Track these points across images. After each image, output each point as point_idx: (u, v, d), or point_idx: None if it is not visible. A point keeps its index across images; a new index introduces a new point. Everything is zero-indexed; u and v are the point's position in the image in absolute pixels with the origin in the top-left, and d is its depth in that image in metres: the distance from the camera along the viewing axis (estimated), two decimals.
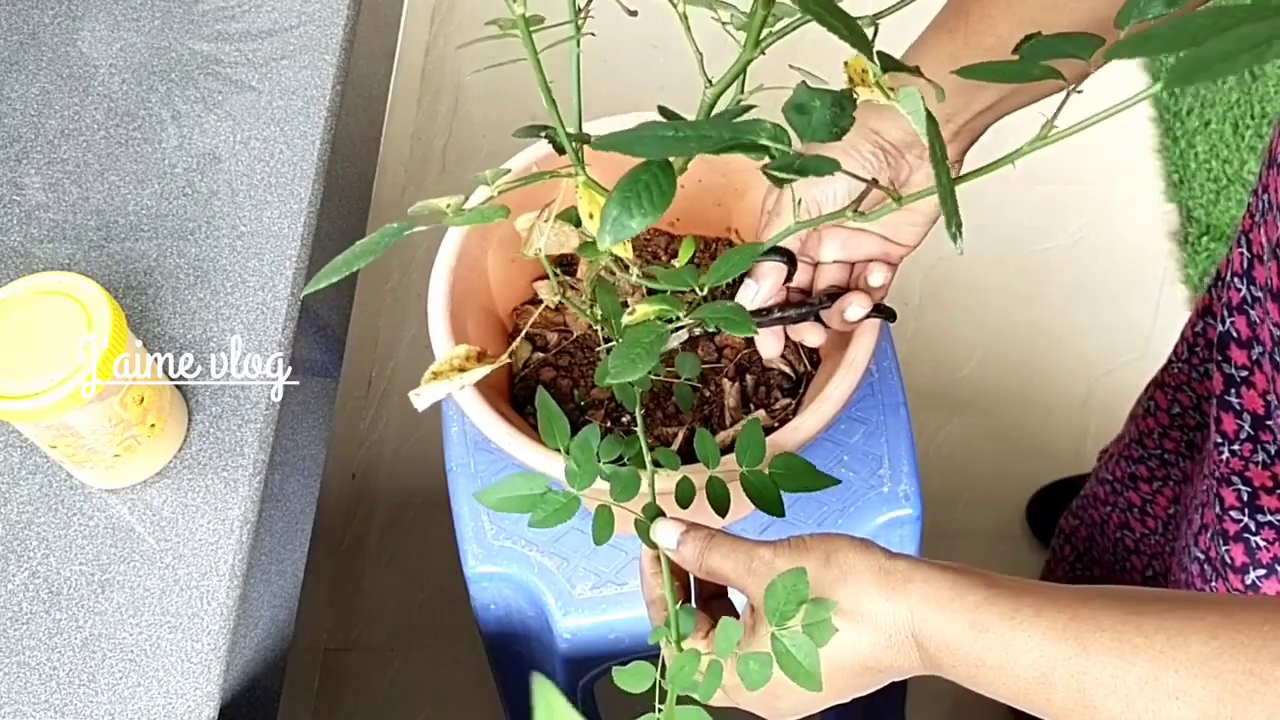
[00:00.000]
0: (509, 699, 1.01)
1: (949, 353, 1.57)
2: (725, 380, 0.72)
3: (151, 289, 0.78)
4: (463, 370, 0.55)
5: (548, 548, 0.79)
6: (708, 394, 0.72)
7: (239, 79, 0.86)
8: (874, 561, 0.49)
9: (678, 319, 0.53)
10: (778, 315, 0.64)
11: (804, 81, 0.40)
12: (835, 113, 0.39)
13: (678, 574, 0.56)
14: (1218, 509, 0.74)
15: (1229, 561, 0.73)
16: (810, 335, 0.65)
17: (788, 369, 0.73)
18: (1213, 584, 0.76)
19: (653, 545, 0.56)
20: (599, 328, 0.72)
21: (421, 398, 0.54)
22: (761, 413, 0.71)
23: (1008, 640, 0.46)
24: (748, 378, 0.73)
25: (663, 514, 0.57)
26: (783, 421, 0.70)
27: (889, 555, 0.50)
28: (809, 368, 0.73)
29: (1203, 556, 0.77)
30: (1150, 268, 1.62)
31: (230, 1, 0.90)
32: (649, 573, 0.57)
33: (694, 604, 0.57)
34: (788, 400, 0.72)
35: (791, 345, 0.74)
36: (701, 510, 0.59)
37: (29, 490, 0.72)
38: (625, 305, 0.73)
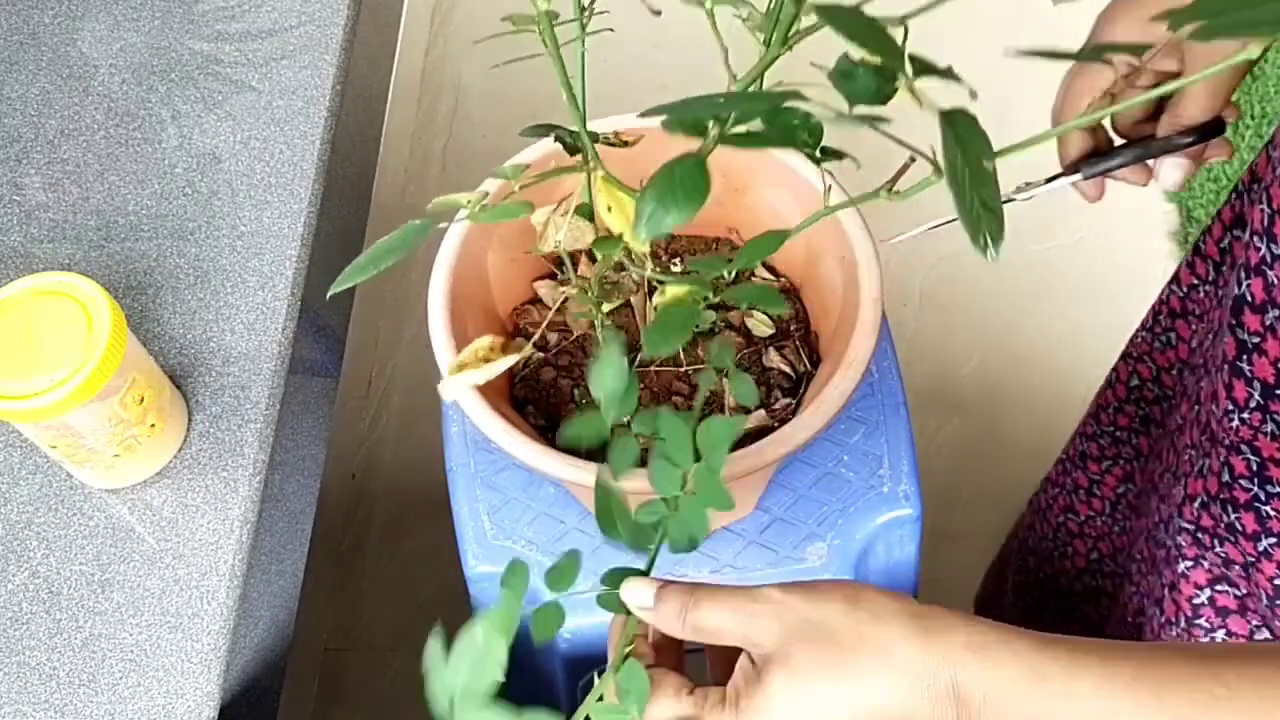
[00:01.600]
0: (509, 699, 1.01)
1: (949, 353, 1.57)
2: (725, 380, 0.72)
3: (151, 289, 0.78)
4: (488, 361, 0.55)
5: (548, 548, 0.79)
6: (708, 394, 0.72)
7: (239, 79, 0.86)
8: (906, 605, 0.44)
9: (708, 298, 0.53)
10: (1115, 163, 0.67)
11: (846, 53, 0.40)
12: (880, 82, 0.39)
13: (667, 652, 0.49)
14: (1226, 476, 0.72)
15: (1240, 528, 0.72)
16: (1166, 173, 0.66)
17: (788, 368, 0.73)
18: (1216, 550, 0.75)
19: (624, 611, 0.49)
20: (599, 326, 0.72)
21: (450, 389, 0.55)
22: (761, 412, 0.71)
23: (1069, 690, 0.41)
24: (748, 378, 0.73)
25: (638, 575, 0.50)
26: (783, 421, 0.70)
27: (921, 604, 0.45)
28: (809, 368, 0.73)
29: (1192, 526, 0.76)
30: (1150, 268, 1.62)
31: (230, 1, 0.90)
32: (618, 638, 0.50)
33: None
34: (788, 400, 0.72)
35: (792, 345, 0.74)
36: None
37: (29, 490, 0.72)
38: (628, 305, 0.73)
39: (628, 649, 0.49)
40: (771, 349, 0.74)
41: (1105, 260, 1.62)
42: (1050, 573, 1.09)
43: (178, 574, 0.70)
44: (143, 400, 0.68)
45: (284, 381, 0.76)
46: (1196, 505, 0.75)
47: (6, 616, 0.69)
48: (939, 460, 1.49)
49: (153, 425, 0.70)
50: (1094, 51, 0.42)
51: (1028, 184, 0.72)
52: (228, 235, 0.80)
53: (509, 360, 0.55)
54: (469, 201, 0.48)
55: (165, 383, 0.72)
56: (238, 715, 0.71)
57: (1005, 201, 0.66)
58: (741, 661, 0.46)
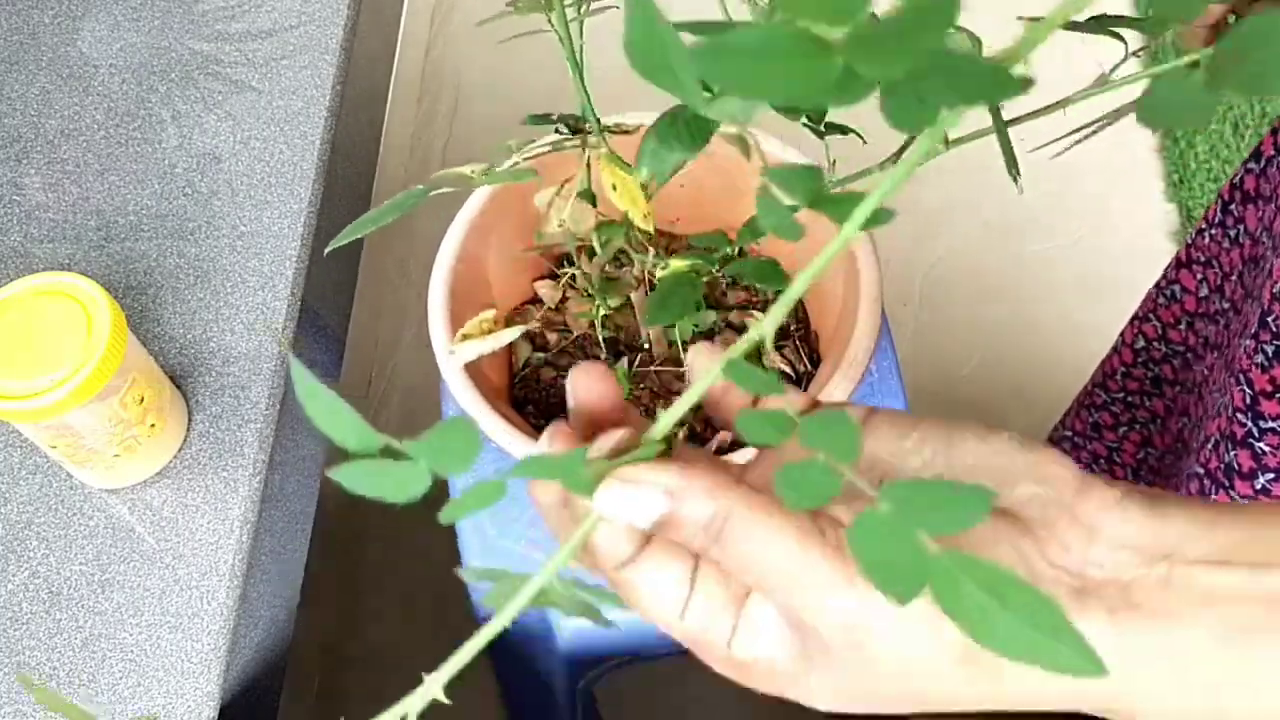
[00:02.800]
0: (509, 699, 1.01)
1: (949, 353, 1.57)
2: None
3: (151, 289, 0.78)
4: (491, 333, 0.55)
5: (548, 547, 0.79)
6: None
7: (239, 79, 0.86)
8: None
9: (710, 274, 0.53)
10: None
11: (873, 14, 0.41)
12: None
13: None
14: (1230, 410, 0.71)
15: (1236, 467, 0.70)
16: None
17: (788, 368, 0.73)
18: (1211, 497, 0.73)
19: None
20: (599, 325, 0.72)
21: (457, 356, 0.55)
22: None
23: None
24: None
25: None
26: None
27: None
28: (809, 367, 0.73)
29: (1202, 471, 0.74)
30: (1150, 268, 1.61)
31: (230, 1, 0.90)
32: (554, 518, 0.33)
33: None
34: None
35: (792, 345, 0.74)
36: None
37: (29, 490, 0.72)
38: (629, 301, 0.73)
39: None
40: (772, 349, 0.74)
41: (1105, 260, 1.62)
42: None
43: (178, 574, 0.70)
44: (143, 400, 0.68)
45: (284, 381, 0.76)
46: (1209, 447, 0.73)
47: (6, 616, 0.69)
48: None
49: (153, 425, 0.70)
50: (1099, 24, 0.42)
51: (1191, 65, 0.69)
52: (228, 235, 0.80)
53: (513, 332, 0.55)
54: (473, 171, 0.49)
55: (165, 383, 0.72)
56: (238, 715, 0.71)
57: (1140, 78, 0.64)
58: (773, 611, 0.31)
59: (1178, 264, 0.84)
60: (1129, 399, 0.93)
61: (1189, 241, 0.83)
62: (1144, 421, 0.93)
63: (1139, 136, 1.70)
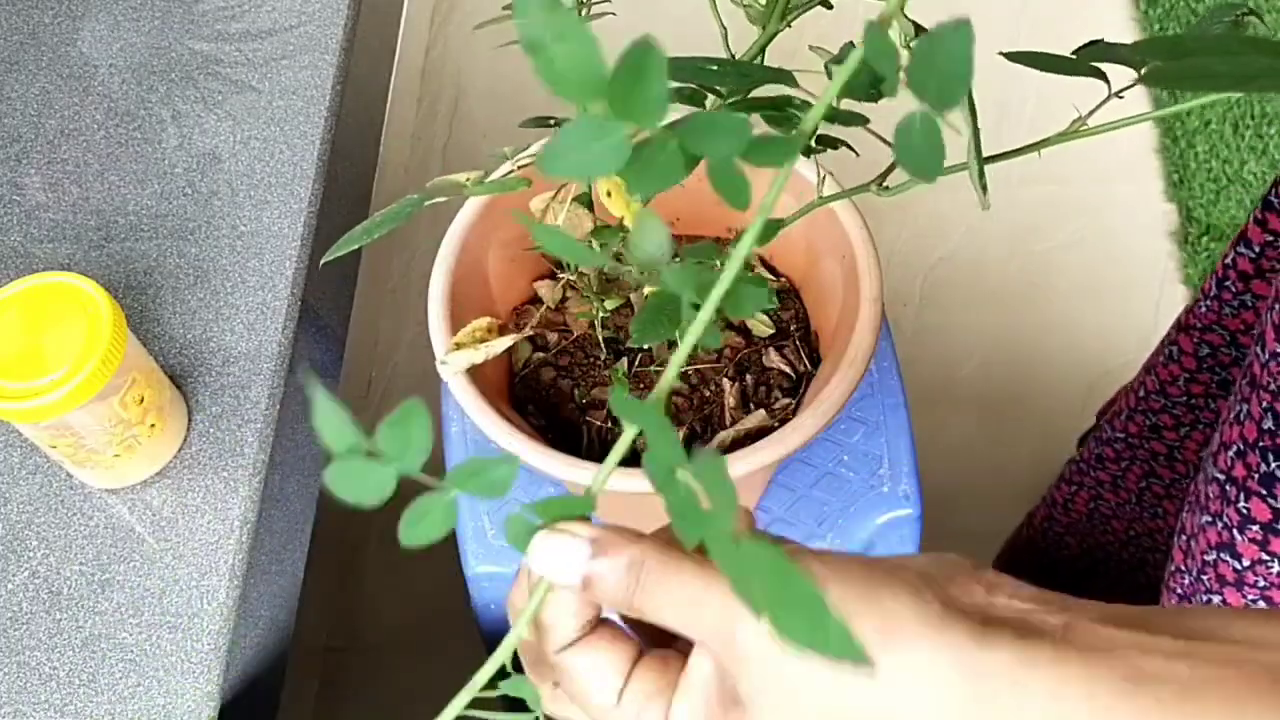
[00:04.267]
0: (509, 699, 1.01)
1: (949, 353, 1.57)
2: (725, 380, 0.72)
3: (151, 289, 0.78)
4: (484, 341, 0.55)
5: None
6: (708, 394, 0.72)
7: (239, 79, 0.86)
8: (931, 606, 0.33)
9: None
10: None
11: (851, 41, 0.41)
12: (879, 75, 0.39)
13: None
14: (1269, 424, 0.71)
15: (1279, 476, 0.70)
16: None
17: (788, 368, 0.73)
18: (1239, 505, 0.73)
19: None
20: (599, 325, 0.72)
21: (449, 366, 0.55)
22: (761, 412, 0.71)
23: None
24: (748, 378, 0.73)
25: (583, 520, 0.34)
26: (783, 421, 0.70)
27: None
28: (809, 367, 0.73)
29: (1223, 476, 0.74)
30: (1150, 268, 1.62)
31: (230, 1, 0.90)
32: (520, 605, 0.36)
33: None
34: (788, 400, 0.72)
35: (792, 345, 0.74)
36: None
37: (29, 490, 0.72)
38: (628, 303, 0.73)
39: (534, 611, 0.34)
40: (771, 349, 0.74)
41: (1105, 260, 1.62)
42: (1143, 531, 1.09)
43: (178, 574, 0.70)
44: (143, 400, 0.68)
45: (284, 381, 0.76)
46: (1231, 454, 0.73)
47: (6, 616, 0.69)
48: (939, 460, 1.49)
49: (153, 425, 0.70)
50: (1086, 59, 0.42)
51: None
52: (228, 235, 0.80)
53: (505, 341, 0.55)
54: (468, 179, 0.49)
55: (165, 383, 0.72)
56: (238, 715, 0.71)
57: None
58: (707, 667, 0.33)
59: (1244, 276, 0.84)
60: (1192, 401, 0.93)
61: (1254, 254, 0.82)
62: (1207, 423, 0.93)
63: (1139, 136, 1.70)
